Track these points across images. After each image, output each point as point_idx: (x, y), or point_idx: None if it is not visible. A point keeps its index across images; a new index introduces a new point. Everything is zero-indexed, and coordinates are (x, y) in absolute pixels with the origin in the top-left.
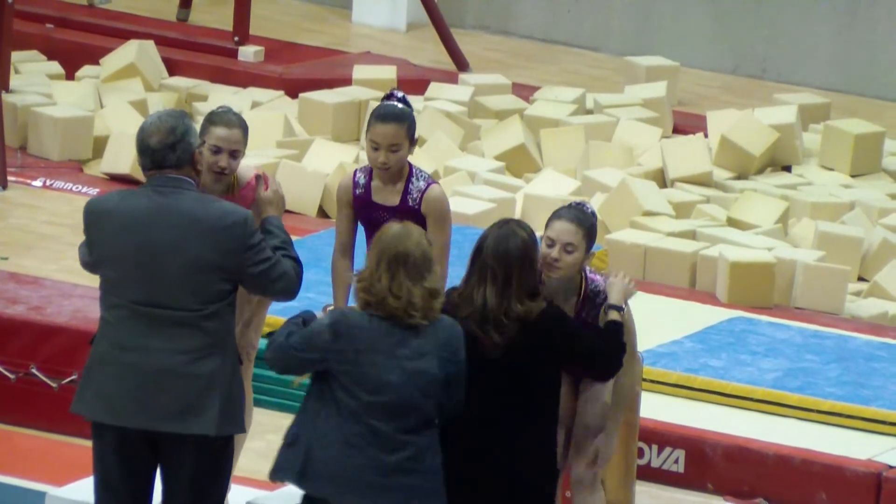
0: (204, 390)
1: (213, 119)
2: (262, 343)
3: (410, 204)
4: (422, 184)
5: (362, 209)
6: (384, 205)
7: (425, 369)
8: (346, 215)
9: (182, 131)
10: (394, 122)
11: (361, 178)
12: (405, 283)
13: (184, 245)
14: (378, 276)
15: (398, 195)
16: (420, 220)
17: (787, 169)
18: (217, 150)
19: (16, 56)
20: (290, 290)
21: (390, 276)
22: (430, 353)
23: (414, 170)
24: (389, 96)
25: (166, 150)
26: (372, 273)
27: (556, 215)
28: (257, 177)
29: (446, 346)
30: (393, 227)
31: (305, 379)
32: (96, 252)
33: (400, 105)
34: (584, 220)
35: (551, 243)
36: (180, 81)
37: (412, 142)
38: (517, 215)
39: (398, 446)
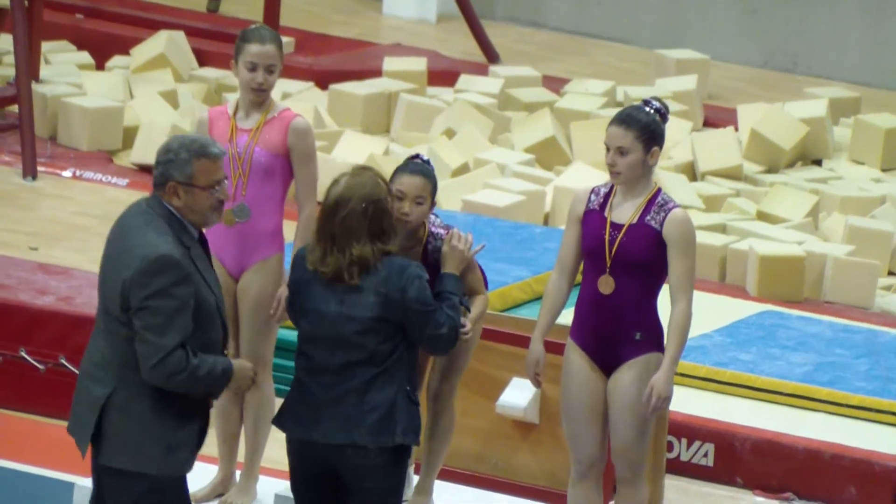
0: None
1: (245, 36)
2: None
3: (430, 262)
4: (439, 243)
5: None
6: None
7: (359, 304)
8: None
9: (169, 156)
10: (420, 175)
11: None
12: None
13: (110, 261)
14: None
15: (418, 258)
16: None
17: (818, 163)
18: (253, 67)
19: (46, 46)
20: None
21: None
22: (366, 289)
23: (431, 230)
24: (414, 157)
25: (155, 165)
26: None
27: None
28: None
29: (385, 283)
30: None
31: None
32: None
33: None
34: (427, 171)
35: (607, 148)
36: (210, 72)
37: (433, 203)
38: (547, 208)
39: (335, 380)
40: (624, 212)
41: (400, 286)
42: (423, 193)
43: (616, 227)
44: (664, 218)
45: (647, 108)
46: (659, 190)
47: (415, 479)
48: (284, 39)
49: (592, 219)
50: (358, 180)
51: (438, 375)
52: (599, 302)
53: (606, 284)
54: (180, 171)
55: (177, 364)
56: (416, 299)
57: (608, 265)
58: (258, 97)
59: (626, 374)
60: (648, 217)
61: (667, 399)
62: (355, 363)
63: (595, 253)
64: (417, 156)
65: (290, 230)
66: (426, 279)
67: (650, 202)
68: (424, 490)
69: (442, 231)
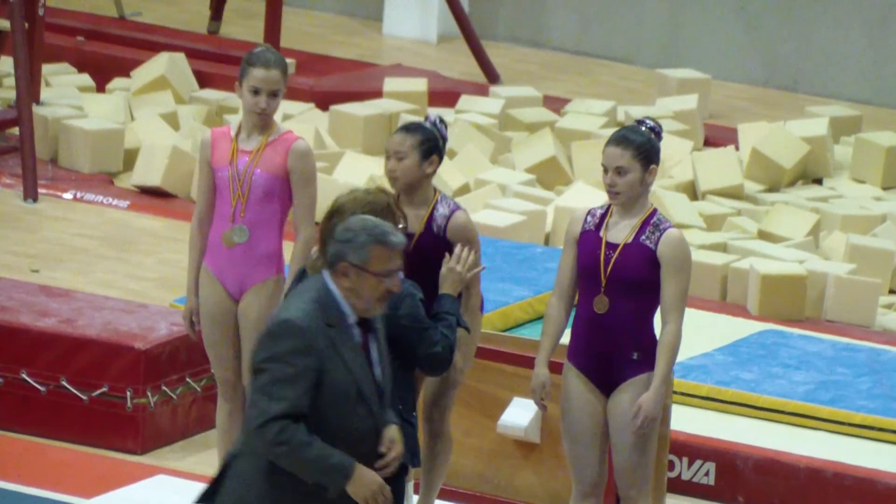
0: None
1: (250, 59)
2: None
3: (435, 231)
4: (447, 210)
5: None
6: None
7: None
8: None
9: (347, 235)
10: (402, 131)
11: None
12: None
13: None
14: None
15: (422, 222)
16: (445, 246)
17: (819, 181)
18: (256, 91)
19: (47, 69)
20: None
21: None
22: None
23: (441, 196)
24: (425, 118)
25: (331, 242)
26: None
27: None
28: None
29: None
30: None
31: None
32: None
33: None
34: (410, 126)
35: (605, 169)
36: (211, 94)
37: (425, 157)
38: (548, 228)
39: None
40: (619, 232)
41: (392, 303)
42: (401, 148)
43: (611, 246)
44: (659, 238)
45: (642, 128)
46: (655, 210)
47: (414, 498)
48: (286, 61)
49: (588, 238)
50: (364, 193)
51: (431, 398)
52: (595, 322)
53: (601, 304)
54: (355, 254)
55: (278, 434)
56: (408, 316)
57: (603, 285)
58: (260, 121)
59: (626, 394)
60: (643, 237)
61: (654, 419)
62: None
63: (590, 272)
64: (427, 117)
65: (289, 252)
66: (419, 298)
67: (645, 222)
68: None
69: (452, 204)
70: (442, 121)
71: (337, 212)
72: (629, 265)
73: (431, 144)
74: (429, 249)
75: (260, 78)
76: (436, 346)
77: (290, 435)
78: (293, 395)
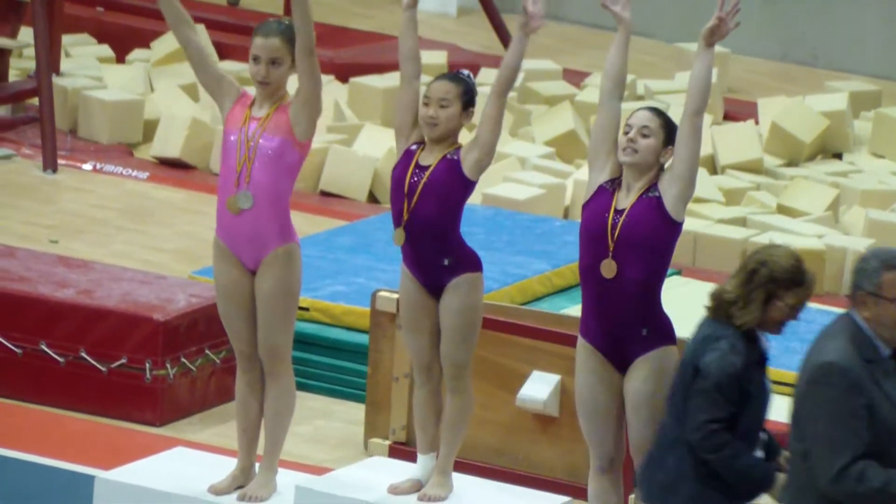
0: None
1: (255, 29)
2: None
3: (449, 157)
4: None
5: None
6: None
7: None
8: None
9: (861, 265)
10: (446, 79)
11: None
12: None
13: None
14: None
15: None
16: (459, 171)
17: (838, 156)
18: (256, 59)
19: (66, 39)
20: None
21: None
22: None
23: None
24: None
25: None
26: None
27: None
28: None
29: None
30: None
31: None
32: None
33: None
34: (454, 76)
35: (628, 129)
36: (231, 65)
37: (465, 108)
38: (567, 201)
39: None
40: (627, 199)
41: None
42: (448, 96)
43: (619, 212)
44: (658, 184)
45: (668, 113)
46: (658, 180)
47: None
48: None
49: (602, 196)
50: (779, 248)
51: (443, 359)
52: (603, 292)
53: (609, 268)
54: (868, 281)
55: (858, 481)
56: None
57: (611, 249)
58: (262, 90)
59: (640, 371)
60: (646, 195)
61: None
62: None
63: (597, 236)
64: (458, 71)
65: (298, 222)
66: (738, 365)
67: (649, 187)
68: (443, 470)
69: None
70: (470, 74)
71: (761, 265)
72: (636, 223)
73: (470, 96)
74: (442, 174)
75: (258, 45)
76: (696, 431)
77: (870, 476)
78: (855, 437)
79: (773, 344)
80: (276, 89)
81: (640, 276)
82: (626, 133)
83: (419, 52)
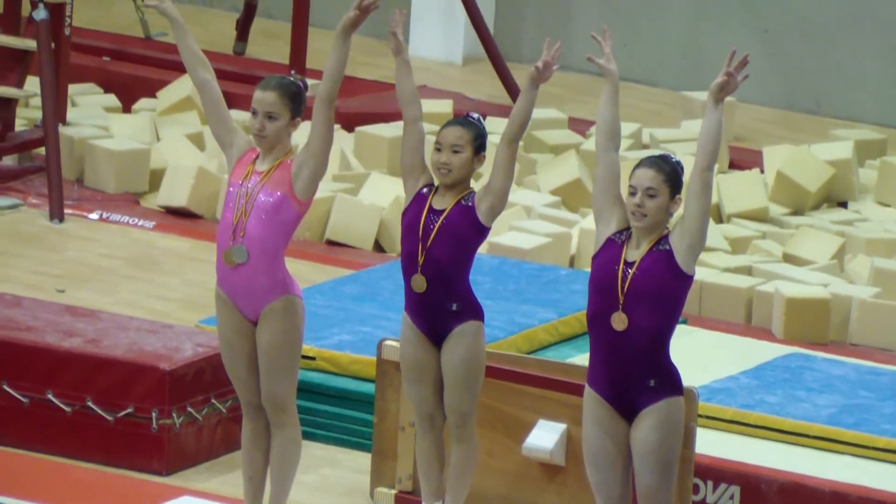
0: None
1: (259, 83)
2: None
3: (463, 203)
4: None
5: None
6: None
7: None
8: None
9: None
10: (458, 125)
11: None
12: None
13: None
14: None
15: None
16: (473, 216)
17: (844, 205)
18: (254, 112)
19: (72, 89)
20: None
21: None
22: None
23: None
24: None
25: None
26: None
27: (638, 164)
28: None
29: None
30: None
31: None
32: None
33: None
34: (465, 121)
35: (633, 191)
36: (237, 114)
37: (476, 153)
38: (573, 250)
39: None
40: (637, 253)
41: None
42: (460, 142)
43: (629, 264)
44: (669, 237)
45: (672, 158)
46: (668, 232)
47: None
48: (310, 82)
49: (611, 248)
50: None
51: (455, 399)
52: (612, 343)
53: (620, 321)
54: None
55: None
56: None
57: (621, 302)
58: (260, 143)
59: (647, 421)
60: (657, 248)
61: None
62: None
63: (606, 288)
64: (468, 115)
65: (304, 270)
66: None
67: (659, 241)
68: None
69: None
70: (479, 117)
71: None
72: (646, 275)
73: (482, 141)
74: (457, 218)
75: (256, 98)
76: None
77: None
78: None
79: (777, 392)
80: (274, 143)
81: (651, 329)
82: (631, 194)
83: (417, 94)
